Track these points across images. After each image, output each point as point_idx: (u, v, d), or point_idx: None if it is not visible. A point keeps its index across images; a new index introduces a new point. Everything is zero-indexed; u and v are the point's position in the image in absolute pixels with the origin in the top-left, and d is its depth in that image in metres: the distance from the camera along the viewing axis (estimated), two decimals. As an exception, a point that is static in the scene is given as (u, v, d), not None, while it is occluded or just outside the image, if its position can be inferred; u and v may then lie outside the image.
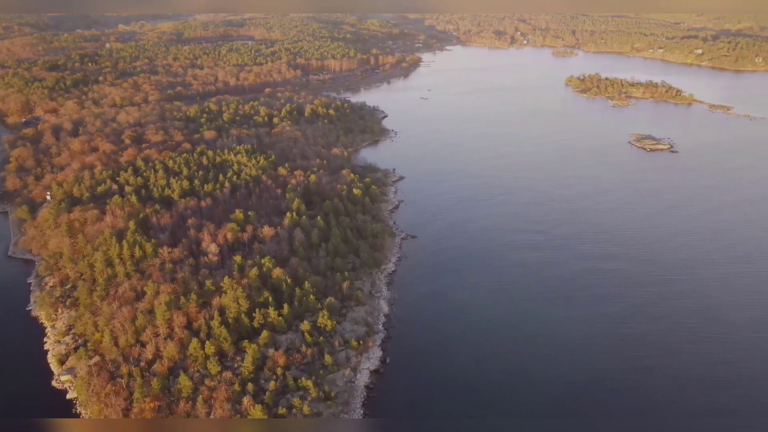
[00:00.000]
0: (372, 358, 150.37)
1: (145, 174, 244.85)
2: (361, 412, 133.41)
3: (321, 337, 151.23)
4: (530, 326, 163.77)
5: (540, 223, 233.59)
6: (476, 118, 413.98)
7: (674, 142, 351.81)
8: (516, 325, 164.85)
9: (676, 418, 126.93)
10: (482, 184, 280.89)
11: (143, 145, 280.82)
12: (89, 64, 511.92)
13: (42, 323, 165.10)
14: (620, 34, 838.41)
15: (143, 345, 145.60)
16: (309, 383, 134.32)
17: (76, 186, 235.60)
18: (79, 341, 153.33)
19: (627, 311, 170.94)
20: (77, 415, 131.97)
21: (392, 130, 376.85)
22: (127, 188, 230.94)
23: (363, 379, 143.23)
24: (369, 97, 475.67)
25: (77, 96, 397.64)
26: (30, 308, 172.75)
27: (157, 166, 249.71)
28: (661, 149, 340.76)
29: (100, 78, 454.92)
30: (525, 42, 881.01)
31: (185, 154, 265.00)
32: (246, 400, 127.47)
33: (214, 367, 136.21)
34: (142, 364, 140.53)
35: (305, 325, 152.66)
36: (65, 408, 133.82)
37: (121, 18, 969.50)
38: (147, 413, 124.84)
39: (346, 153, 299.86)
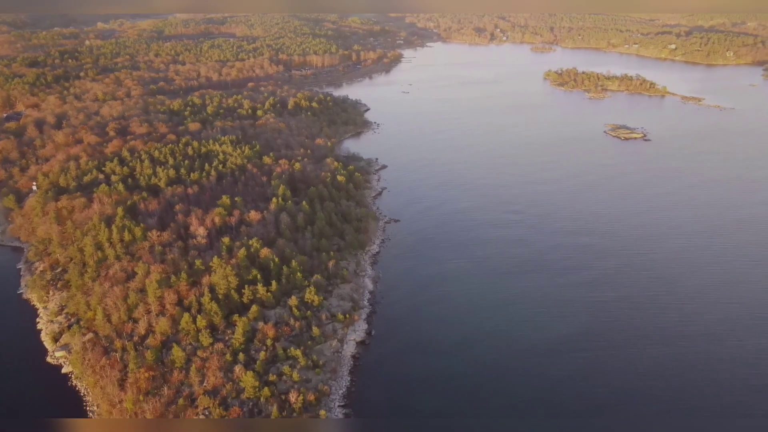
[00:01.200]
0: (358, 331, 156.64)
1: (131, 164, 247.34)
2: (348, 379, 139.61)
3: (308, 312, 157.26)
4: (505, 294, 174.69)
5: (515, 204, 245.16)
6: (456, 111, 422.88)
7: (647, 131, 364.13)
8: (492, 293, 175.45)
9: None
10: (462, 170, 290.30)
11: (128, 137, 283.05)
12: (69, 60, 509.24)
13: (34, 305, 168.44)
14: (597, 31, 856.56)
15: (135, 321, 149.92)
16: (298, 353, 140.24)
17: (62, 176, 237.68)
18: (72, 320, 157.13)
19: (596, 280, 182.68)
20: (72, 388, 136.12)
21: (374, 122, 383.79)
22: (114, 177, 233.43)
23: (350, 349, 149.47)
24: (351, 91, 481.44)
25: (58, 91, 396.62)
26: (21, 291, 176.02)
27: (143, 156, 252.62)
28: (635, 138, 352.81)
29: (81, 74, 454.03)
30: (504, 39, 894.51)
31: (170, 145, 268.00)
32: (237, 369, 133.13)
33: (205, 339, 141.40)
34: (135, 338, 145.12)
35: (293, 301, 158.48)
36: (60, 381, 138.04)
37: (99, 16, 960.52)
38: (141, 382, 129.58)
39: (329, 143, 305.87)
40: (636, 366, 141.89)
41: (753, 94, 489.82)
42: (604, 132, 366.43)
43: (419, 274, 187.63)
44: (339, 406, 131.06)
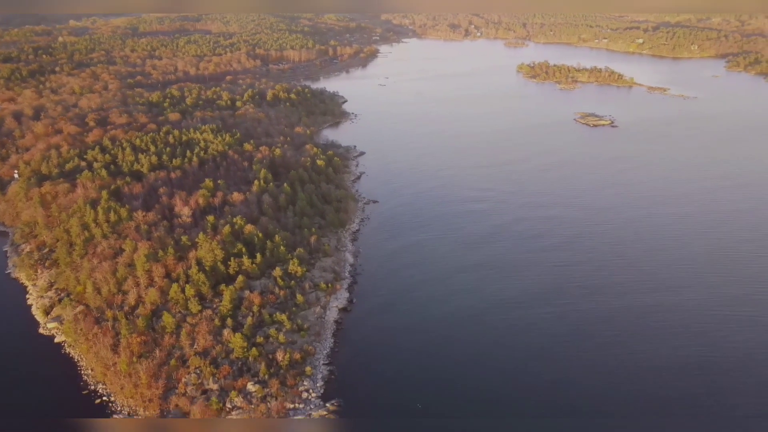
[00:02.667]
0: (340, 299, 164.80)
1: (112, 152, 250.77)
2: (332, 341, 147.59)
3: (292, 282, 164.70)
4: (475, 259, 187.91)
5: (487, 183, 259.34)
6: (431, 102, 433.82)
7: (615, 118, 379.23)
8: (464, 259, 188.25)
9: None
10: (437, 154, 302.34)
11: (108, 127, 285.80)
12: (44, 56, 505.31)
13: (23, 283, 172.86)
14: (568, 26, 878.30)
15: (125, 293, 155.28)
16: (283, 317, 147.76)
17: (44, 164, 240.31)
18: (62, 294, 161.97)
19: (560, 246, 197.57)
20: (67, 356, 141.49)
21: (352, 113, 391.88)
22: (96, 164, 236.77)
23: (332, 315, 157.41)
24: (329, 84, 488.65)
25: (34, 85, 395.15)
26: (9, 271, 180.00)
27: (125, 145, 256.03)
28: (603, 124, 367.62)
29: (57, 69, 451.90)
30: (478, 34, 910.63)
31: (151, 134, 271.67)
32: (226, 332, 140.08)
33: (194, 306, 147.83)
34: (126, 309, 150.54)
35: (277, 272, 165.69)
36: (53, 349, 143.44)
37: (71, 14, 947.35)
38: (134, 346, 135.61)
39: (308, 131, 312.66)
40: (594, 317, 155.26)
41: (715, 84, 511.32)
42: (574, 120, 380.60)
43: (397, 248, 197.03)
44: (323, 364, 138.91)
